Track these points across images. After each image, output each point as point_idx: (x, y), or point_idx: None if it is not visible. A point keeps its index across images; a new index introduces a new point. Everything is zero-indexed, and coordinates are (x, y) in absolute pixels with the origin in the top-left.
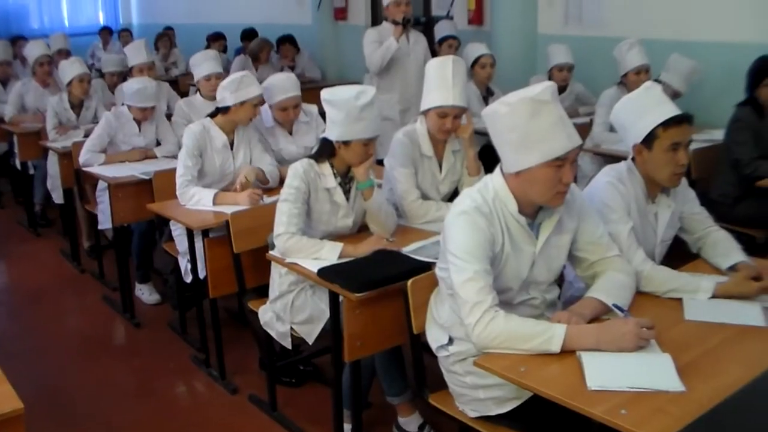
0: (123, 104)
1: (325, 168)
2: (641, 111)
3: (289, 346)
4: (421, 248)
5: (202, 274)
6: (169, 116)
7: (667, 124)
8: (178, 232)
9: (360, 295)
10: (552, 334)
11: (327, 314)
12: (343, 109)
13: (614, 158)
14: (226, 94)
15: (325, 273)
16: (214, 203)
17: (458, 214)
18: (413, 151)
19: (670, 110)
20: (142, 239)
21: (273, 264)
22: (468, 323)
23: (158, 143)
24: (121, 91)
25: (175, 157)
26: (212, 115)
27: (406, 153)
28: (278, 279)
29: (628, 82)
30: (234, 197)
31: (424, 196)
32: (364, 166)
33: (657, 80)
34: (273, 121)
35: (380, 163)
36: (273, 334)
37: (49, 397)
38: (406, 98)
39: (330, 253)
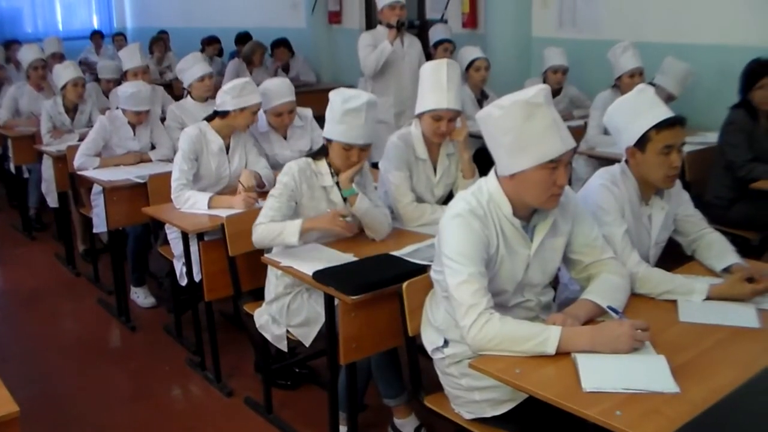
0: (117, 108)
1: (322, 167)
2: (634, 114)
3: (285, 349)
4: (416, 251)
5: (197, 278)
6: (163, 120)
7: (660, 126)
8: (173, 235)
9: (355, 297)
10: (547, 336)
11: (323, 317)
12: (332, 107)
13: (609, 161)
14: (227, 99)
15: (320, 276)
16: (209, 206)
17: (453, 216)
18: (408, 154)
19: (663, 113)
20: (137, 243)
21: (269, 267)
22: (463, 326)
23: (153, 147)
24: (116, 95)
25: (170, 160)
26: (209, 119)
27: (400, 156)
28: (274, 282)
29: (622, 85)
30: (229, 200)
31: (419, 199)
32: (347, 174)
33: (651, 83)
34: (267, 126)
35: (375, 166)
36: (269, 337)
37: (45, 401)
38: (401, 101)
39: (291, 232)
